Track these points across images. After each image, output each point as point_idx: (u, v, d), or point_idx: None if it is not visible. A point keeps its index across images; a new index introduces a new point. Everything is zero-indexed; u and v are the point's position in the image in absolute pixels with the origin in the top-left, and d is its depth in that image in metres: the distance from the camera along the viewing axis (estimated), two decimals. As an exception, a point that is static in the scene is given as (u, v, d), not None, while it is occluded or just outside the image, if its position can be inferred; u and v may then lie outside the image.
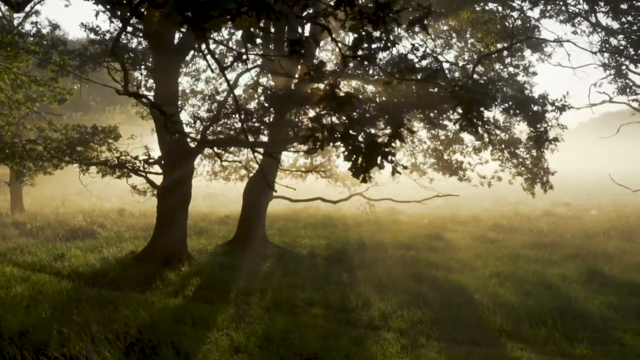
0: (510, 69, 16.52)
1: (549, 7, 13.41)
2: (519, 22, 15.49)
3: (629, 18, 10.37)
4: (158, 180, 12.85)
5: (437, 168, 17.51)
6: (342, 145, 3.54)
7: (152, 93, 12.72)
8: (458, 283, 10.38)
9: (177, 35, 12.28)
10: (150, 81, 13.76)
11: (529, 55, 18.80)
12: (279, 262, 12.25)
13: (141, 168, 12.06)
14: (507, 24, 15.34)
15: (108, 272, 10.95)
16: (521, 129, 14.81)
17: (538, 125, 9.93)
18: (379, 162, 3.41)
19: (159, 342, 6.44)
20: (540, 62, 16.93)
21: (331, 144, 3.59)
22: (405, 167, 4.46)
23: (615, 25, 11.29)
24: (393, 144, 3.46)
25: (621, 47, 10.98)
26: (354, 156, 3.42)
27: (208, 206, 24.38)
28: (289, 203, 17.91)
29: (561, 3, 11.60)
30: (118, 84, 14.16)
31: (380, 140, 3.40)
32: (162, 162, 11.89)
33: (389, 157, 3.44)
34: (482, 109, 4.05)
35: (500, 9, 12.85)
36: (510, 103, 9.69)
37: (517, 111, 9.80)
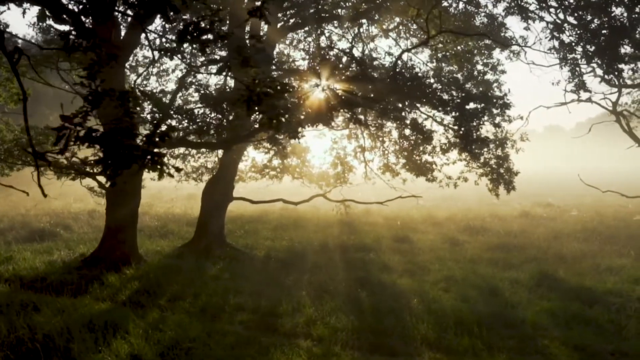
0: (480, 67, 16.30)
1: (512, 4, 13.07)
2: (485, 19, 15.24)
3: (580, 13, 10.00)
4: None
5: (408, 168, 17.23)
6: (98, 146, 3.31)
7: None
8: (402, 287, 10.09)
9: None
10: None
11: (497, 53, 18.43)
12: (229, 265, 12.01)
13: (88, 169, 11.84)
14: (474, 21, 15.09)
15: (49, 276, 10.73)
16: (487, 129, 14.53)
17: (468, 124, 9.58)
18: (145, 164, 3.17)
19: (55, 350, 6.25)
20: (509, 61, 16.45)
21: (86, 144, 3.36)
22: (178, 170, 4.19)
23: (572, 21, 10.96)
24: (157, 146, 3.22)
25: (573, 44, 10.63)
26: (108, 159, 3.18)
27: (186, 207, 24.12)
28: (269, 204, 17.73)
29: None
30: (67, 84, 13.99)
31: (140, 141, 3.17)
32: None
33: (155, 159, 3.20)
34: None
35: (456, 5, 12.56)
36: (435, 100, 9.36)
37: (448, 109, 9.47)
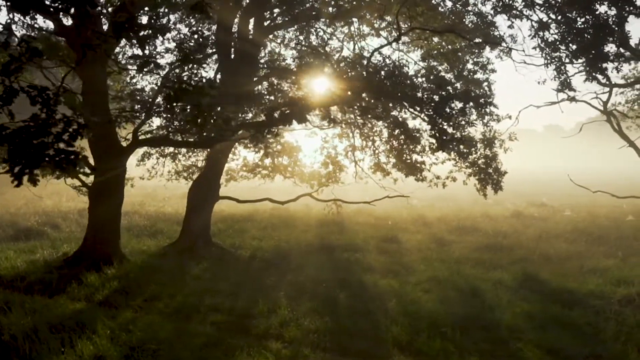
0: (470, 65, 16.16)
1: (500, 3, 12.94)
2: (474, 18, 15.10)
3: (566, 11, 9.86)
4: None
5: (398, 168, 17.11)
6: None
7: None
8: (383, 288, 9.98)
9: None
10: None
11: (487, 52, 18.28)
12: (212, 265, 11.91)
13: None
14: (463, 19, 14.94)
15: (29, 275, 10.65)
16: (476, 129, 14.39)
17: (444, 124, 9.44)
18: (58, 163, 3.08)
19: (16, 351, 6.18)
20: (500, 59, 16.34)
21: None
22: (94, 169, 4.11)
23: (558, 19, 10.81)
24: (69, 144, 3.13)
25: (557, 42, 10.49)
26: (15, 158, 3.09)
27: (178, 206, 23.97)
28: (262, 203, 17.67)
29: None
30: (50, 82, 13.90)
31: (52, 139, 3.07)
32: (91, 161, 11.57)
33: (71, 158, 3.11)
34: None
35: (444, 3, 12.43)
36: (410, 99, 9.23)
37: (424, 108, 9.33)
